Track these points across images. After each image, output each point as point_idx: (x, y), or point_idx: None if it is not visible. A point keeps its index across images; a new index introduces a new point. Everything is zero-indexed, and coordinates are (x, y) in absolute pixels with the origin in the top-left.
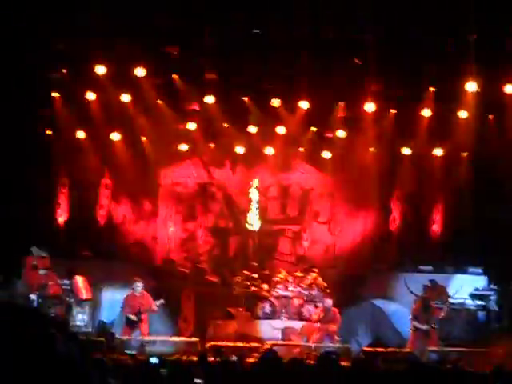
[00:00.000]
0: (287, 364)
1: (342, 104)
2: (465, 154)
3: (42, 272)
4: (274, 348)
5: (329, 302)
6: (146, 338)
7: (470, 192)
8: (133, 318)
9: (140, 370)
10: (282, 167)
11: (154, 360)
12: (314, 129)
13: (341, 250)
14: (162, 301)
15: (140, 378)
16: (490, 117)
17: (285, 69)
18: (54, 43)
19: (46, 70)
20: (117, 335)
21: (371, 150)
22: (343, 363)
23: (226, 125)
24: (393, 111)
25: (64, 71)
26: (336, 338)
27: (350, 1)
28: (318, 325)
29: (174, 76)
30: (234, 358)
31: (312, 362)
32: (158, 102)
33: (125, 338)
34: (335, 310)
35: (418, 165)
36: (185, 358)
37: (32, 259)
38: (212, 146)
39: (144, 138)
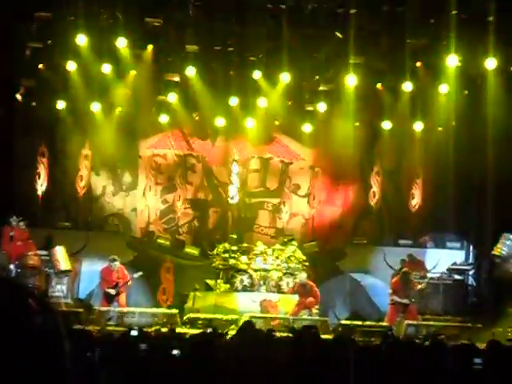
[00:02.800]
0: (265, 335)
1: (323, 77)
2: (444, 129)
3: (19, 243)
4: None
5: (303, 275)
6: (125, 310)
7: (449, 167)
8: (111, 292)
9: (119, 342)
10: (262, 140)
11: (134, 333)
12: (294, 102)
13: (320, 223)
14: (140, 273)
15: (119, 349)
16: (466, 92)
17: (266, 41)
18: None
19: (29, 39)
20: (95, 306)
21: (352, 123)
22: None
23: (206, 96)
24: (373, 85)
25: (46, 41)
26: (313, 310)
27: None
28: (297, 298)
29: (156, 47)
30: (209, 330)
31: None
32: (139, 73)
33: (103, 309)
34: (311, 283)
35: (398, 139)
36: (164, 329)
37: (9, 229)
38: (192, 117)
39: (124, 109)
